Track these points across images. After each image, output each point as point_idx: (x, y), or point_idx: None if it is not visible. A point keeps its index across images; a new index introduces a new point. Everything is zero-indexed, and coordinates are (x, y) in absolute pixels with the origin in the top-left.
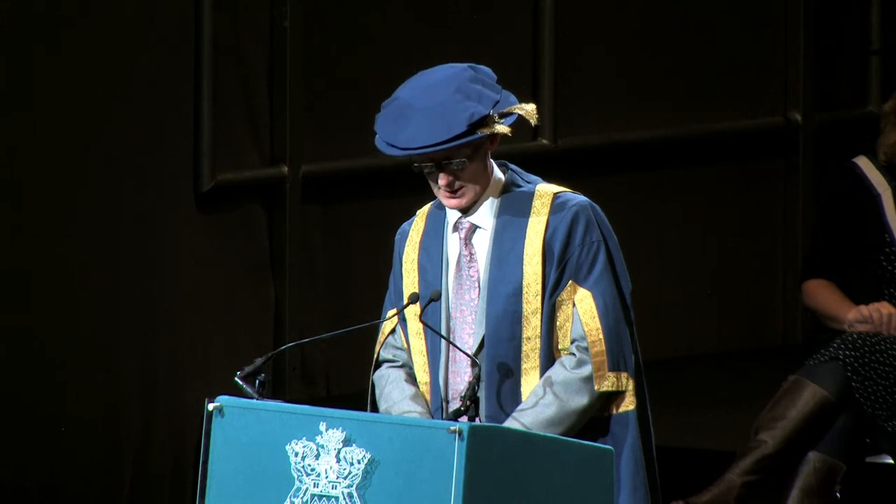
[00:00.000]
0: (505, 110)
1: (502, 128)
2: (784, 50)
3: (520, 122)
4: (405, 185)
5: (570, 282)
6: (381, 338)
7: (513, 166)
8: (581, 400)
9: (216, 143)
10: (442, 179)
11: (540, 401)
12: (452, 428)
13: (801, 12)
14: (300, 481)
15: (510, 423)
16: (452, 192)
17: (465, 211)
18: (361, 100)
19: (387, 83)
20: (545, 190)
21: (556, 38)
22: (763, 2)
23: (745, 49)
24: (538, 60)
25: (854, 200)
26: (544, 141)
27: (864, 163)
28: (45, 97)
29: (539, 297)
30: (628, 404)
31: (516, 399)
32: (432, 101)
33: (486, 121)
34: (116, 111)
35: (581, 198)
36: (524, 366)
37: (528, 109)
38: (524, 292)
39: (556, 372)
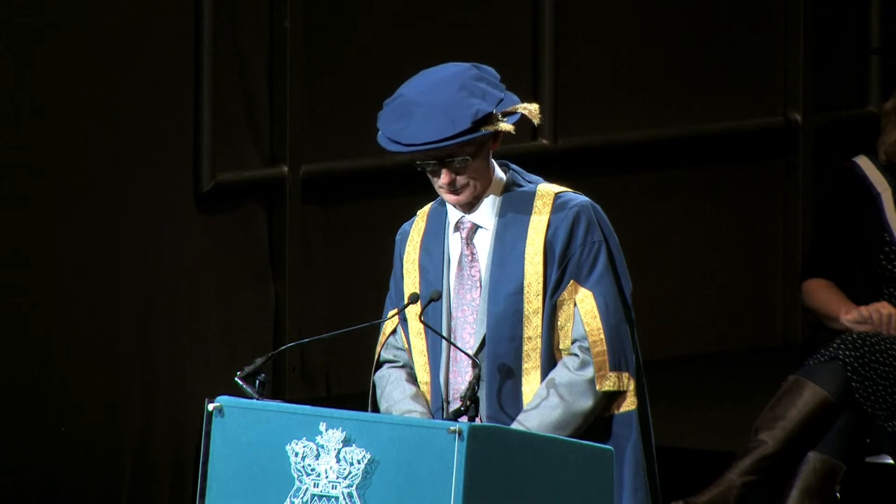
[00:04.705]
0: (508, 109)
1: (506, 126)
2: (784, 50)
3: (520, 123)
4: (405, 185)
5: (572, 281)
6: (381, 338)
7: (514, 166)
8: (586, 402)
9: (216, 143)
10: (444, 177)
11: (544, 403)
12: (452, 428)
13: (801, 12)
14: (300, 481)
15: (515, 427)
16: (454, 189)
17: (467, 210)
18: (361, 100)
19: (387, 83)
20: (546, 190)
21: (556, 39)
22: (763, 2)
23: (745, 49)
24: (538, 60)
25: (854, 200)
26: (544, 141)
27: (864, 163)
28: (44, 97)
29: (540, 297)
30: (629, 404)
31: (517, 399)
32: (436, 98)
33: (489, 118)
34: (116, 111)
35: (582, 198)
36: (525, 365)
37: (532, 109)
38: (525, 292)
39: (559, 374)
